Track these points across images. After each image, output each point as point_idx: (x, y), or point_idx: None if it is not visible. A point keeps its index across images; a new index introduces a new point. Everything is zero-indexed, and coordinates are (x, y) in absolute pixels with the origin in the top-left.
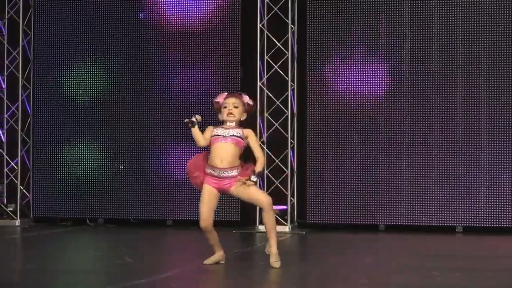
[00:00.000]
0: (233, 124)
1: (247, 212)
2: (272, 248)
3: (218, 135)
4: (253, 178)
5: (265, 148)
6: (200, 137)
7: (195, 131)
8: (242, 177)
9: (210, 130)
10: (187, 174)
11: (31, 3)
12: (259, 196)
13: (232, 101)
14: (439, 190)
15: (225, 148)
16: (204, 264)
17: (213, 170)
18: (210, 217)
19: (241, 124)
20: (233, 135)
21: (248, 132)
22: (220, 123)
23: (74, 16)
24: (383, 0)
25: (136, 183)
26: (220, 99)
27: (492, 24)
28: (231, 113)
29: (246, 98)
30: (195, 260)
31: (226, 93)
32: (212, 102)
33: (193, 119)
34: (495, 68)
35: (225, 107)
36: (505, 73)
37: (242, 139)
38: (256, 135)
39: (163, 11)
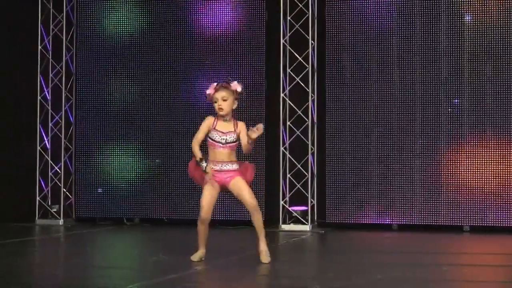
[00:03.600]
0: (227, 118)
1: (271, 212)
2: (262, 246)
3: (215, 141)
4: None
5: (287, 153)
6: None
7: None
8: (241, 174)
9: (207, 126)
10: (190, 173)
11: (74, 21)
12: (246, 196)
13: (221, 95)
14: (447, 192)
15: (224, 153)
16: (192, 260)
17: (215, 165)
18: (211, 210)
19: (234, 115)
20: (229, 142)
21: (241, 127)
22: (215, 114)
23: (111, 33)
24: (396, 16)
25: (169, 185)
26: (210, 90)
27: (495, 43)
28: (220, 108)
29: (235, 86)
30: (222, 257)
31: (215, 84)
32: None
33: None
34: (501, 72)
35: (215, 102)
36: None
37: (237, 140)
38: (247, 129)
39: (195, 27)
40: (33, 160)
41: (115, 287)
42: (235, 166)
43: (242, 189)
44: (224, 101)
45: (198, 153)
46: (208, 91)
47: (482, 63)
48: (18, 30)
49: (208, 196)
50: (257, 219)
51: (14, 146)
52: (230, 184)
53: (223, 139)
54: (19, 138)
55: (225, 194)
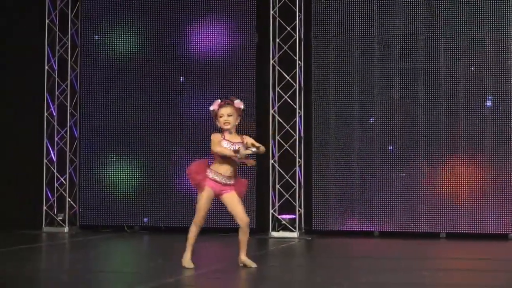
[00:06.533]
0: (232, 132)
1: (261, 220)
2: (244, 256)
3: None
4: (251, 149)
5: (276, 166)
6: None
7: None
8: (236, 189)
9: (218, 139)
10: (190, 175)
11: (78, 43)
12: (241, 213)
13: (226, 111)
14: (425, 201)
15: (233, 163)
16: (183, 266)
17: (217, 176)
18: (206, 216)
19: (236, 130)
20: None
21: (247, 138)
22: (218, 130)
23: (113, 54)
24: (379, 38)
25: (166, 196)
26: (215, 106)
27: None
28: (227, 122)
29: (238, 104)
30: (216, 263)
31: (220, 101)
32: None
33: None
34: (501, 82)
35: (221, 117)
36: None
37: None
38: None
39: (192, 48)
40: (40, 172)
41: None
42: (232, 182)
43: (237, 205)
44: (229, 116)
45: (227, 151)
46: (212, 107)
47: (457, 78)
48: (27, 51)
49: (206, 206)
50: (246, 234)
51: (22, 159)
52: (224, 197)
53: (233, 148)
54: (27, 151)
55: (218, 205)
